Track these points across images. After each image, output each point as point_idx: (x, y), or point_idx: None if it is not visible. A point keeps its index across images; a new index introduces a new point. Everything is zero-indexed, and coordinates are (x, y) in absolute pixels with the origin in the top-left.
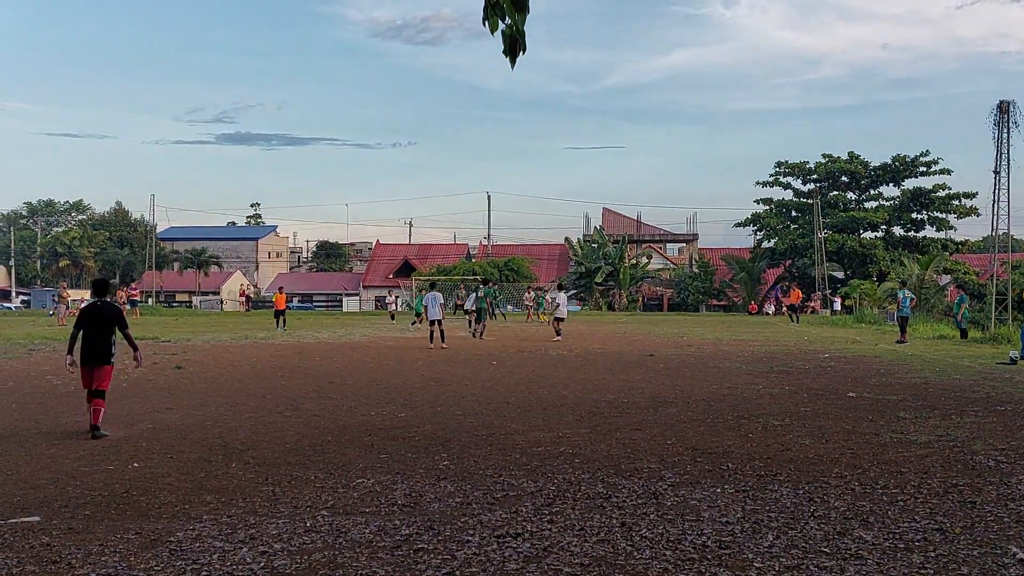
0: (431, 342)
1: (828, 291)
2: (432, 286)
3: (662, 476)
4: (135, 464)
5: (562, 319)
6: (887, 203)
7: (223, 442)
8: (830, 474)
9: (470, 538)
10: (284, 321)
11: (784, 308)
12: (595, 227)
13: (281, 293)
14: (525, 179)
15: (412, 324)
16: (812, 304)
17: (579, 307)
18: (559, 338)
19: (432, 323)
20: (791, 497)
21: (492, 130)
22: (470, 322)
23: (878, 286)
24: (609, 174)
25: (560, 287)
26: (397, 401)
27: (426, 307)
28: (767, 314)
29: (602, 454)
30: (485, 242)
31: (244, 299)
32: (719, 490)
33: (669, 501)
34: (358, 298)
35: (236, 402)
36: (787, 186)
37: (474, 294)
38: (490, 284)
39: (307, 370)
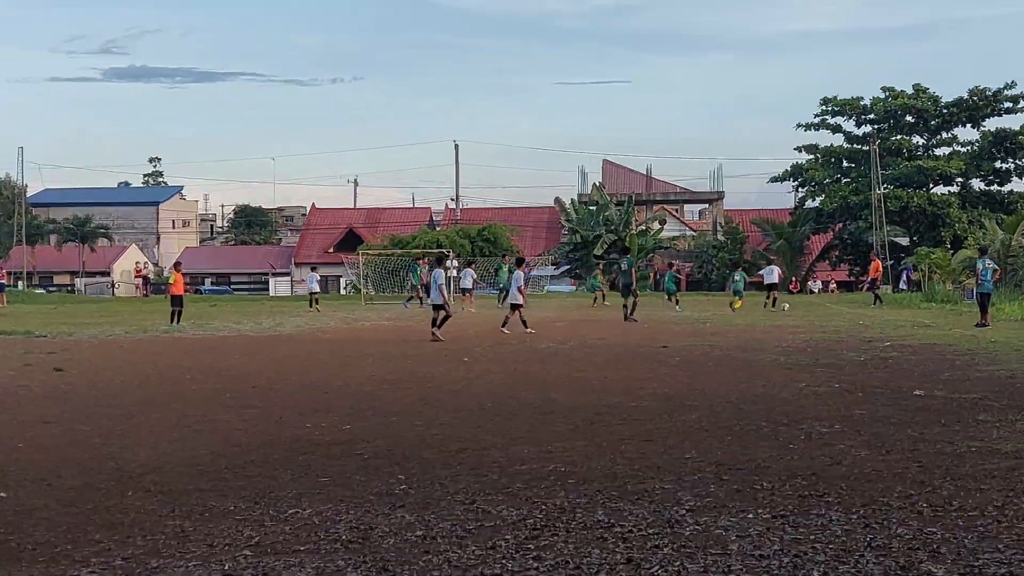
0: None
1: (890, 262)
2: (439, 261)
3: (679, 499)
4: (2, 494)
5: (520, 305)
6: (963, 149)
7: (116, 464)
8: (891, 493)
9: None
10: (180, 314)
11: (875, 285)
12: (593, 184)
13: (177, 270)
14: (503, 124)
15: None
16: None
17: (573, 287)
18: (506, 331)
19: (435, 308)
20: (842, 523)
21: (460, 60)
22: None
23: (952, 255)
24: (610, 117)
25: (551, 262)
26: (340, 409)
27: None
28: (812, 292)
29: (602, 472)
30: (452, 205)
31: (142, 281)
32: (751, 516)
33: (688, 530)
34: (289, 278)
35: (133, 413)
36: (836, 129)
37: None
38: (627, 256)
39: (224, 371)
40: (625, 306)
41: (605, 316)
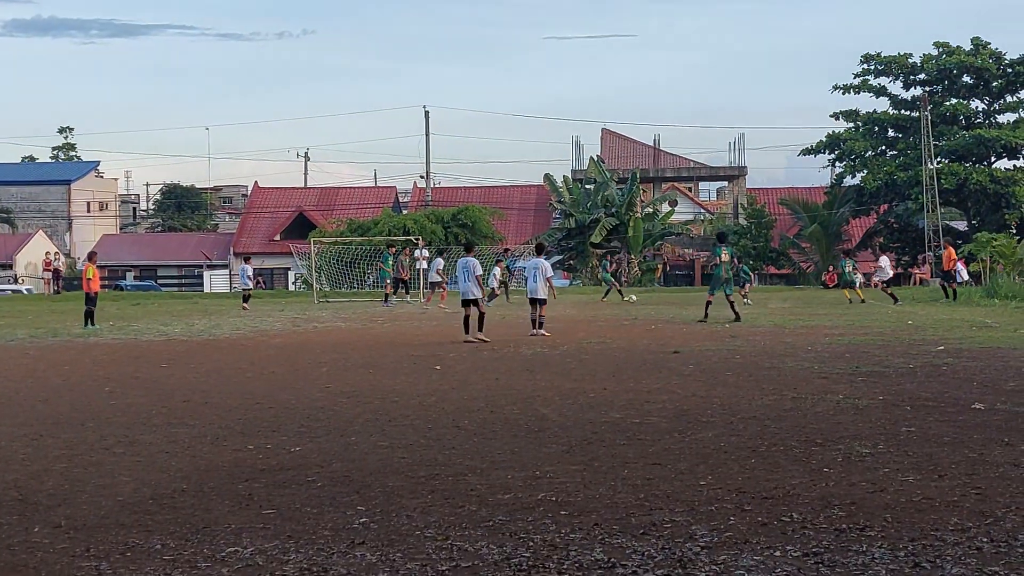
0: (466, 332)
1: (942, 250)
2: (468, 249)
3: (692, 534)
4: None
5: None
6: None
7: (20, 494)
8: (945, 525)
9: None
10: (93, 316)
11: (950, 278)
12: (591, 158)
13: (92, 262)
14: (482, 87)
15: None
16: (918, 271)
17: (567, 281)
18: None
19: (465, 304)
20: (887, 562)
21: (431, 10)
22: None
23: (1019, 242)
24: (611, 78)
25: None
26: (289, 428)
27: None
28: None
29: (602, 502)
30: (422, 184)
31: (52, 275)
32: (778, 553)
33: (703, 571)
34: (227, 272)
35: (40, 433)
36: (880, 92)
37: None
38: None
39: (149, 383)
40: (726, 303)
41: (606, 315)
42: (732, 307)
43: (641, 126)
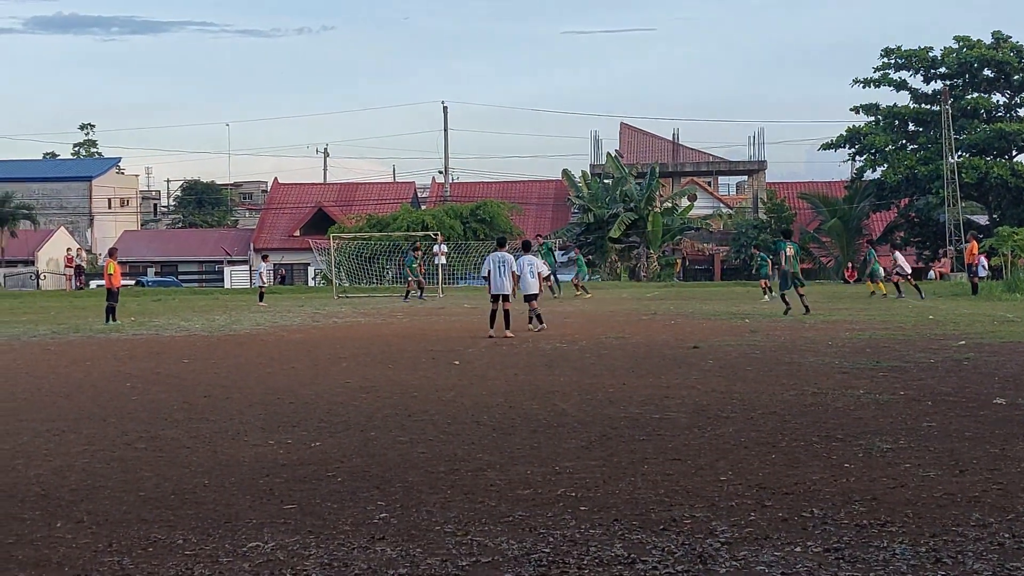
0: (491, 327)
1: (964, 244)
2: (501, 244)
3: (712, 529)
4: None
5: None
6: None
7: (43, 489)
8: (967, 521)
9: None
10: (114, 312)
11: (972, 272)
12: (608, 153)
13: (113, 258)
14: (501, 82)
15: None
16: (939, 266)
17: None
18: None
19: (495, 299)
20: (908, 558)
21: (450, 7)
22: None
23: None
24: (630, 72)
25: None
26: (309, 423)
27: (487, 276)
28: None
29: (621, 498)
30: (440, 179)
31: (73, 270)
32: (799, 549)
33: (724, 567)
34: (247, 267)
35: (62, 429)
36: (901, 86)
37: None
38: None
39: (170, 378)
40: (796, 297)
41: (625, 311)
42: (783, 297)
43: (660, 120)
